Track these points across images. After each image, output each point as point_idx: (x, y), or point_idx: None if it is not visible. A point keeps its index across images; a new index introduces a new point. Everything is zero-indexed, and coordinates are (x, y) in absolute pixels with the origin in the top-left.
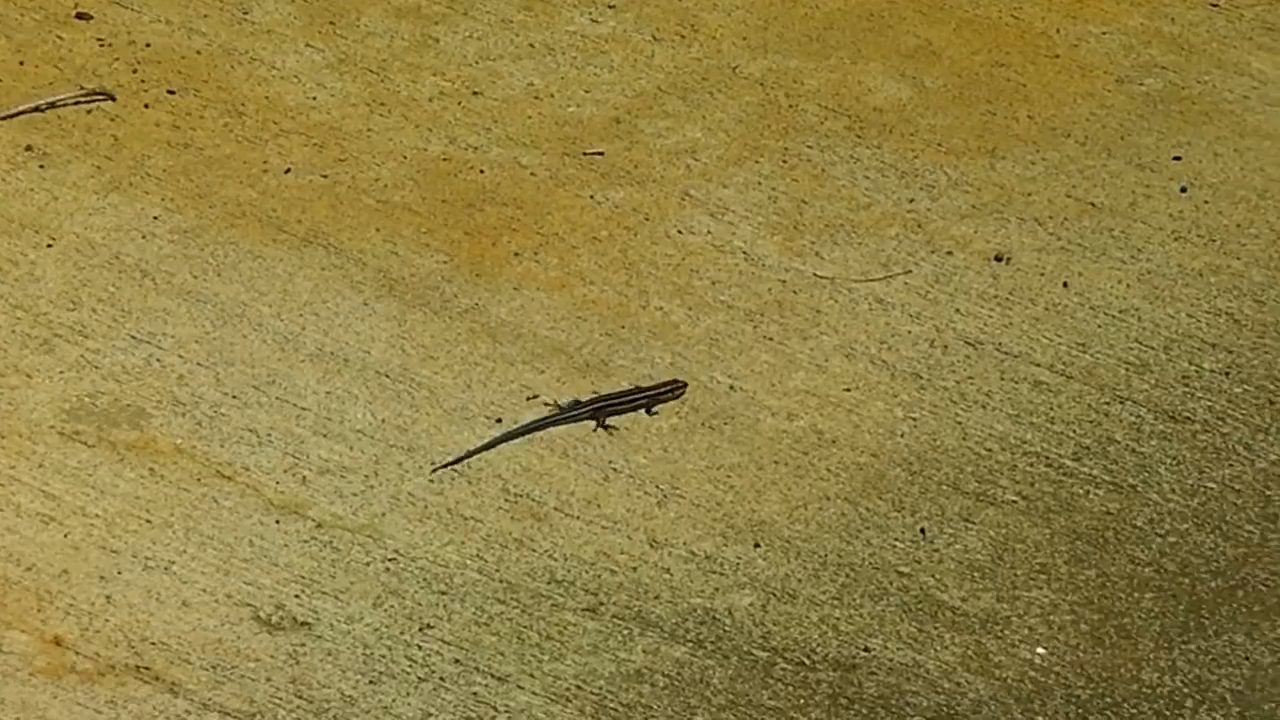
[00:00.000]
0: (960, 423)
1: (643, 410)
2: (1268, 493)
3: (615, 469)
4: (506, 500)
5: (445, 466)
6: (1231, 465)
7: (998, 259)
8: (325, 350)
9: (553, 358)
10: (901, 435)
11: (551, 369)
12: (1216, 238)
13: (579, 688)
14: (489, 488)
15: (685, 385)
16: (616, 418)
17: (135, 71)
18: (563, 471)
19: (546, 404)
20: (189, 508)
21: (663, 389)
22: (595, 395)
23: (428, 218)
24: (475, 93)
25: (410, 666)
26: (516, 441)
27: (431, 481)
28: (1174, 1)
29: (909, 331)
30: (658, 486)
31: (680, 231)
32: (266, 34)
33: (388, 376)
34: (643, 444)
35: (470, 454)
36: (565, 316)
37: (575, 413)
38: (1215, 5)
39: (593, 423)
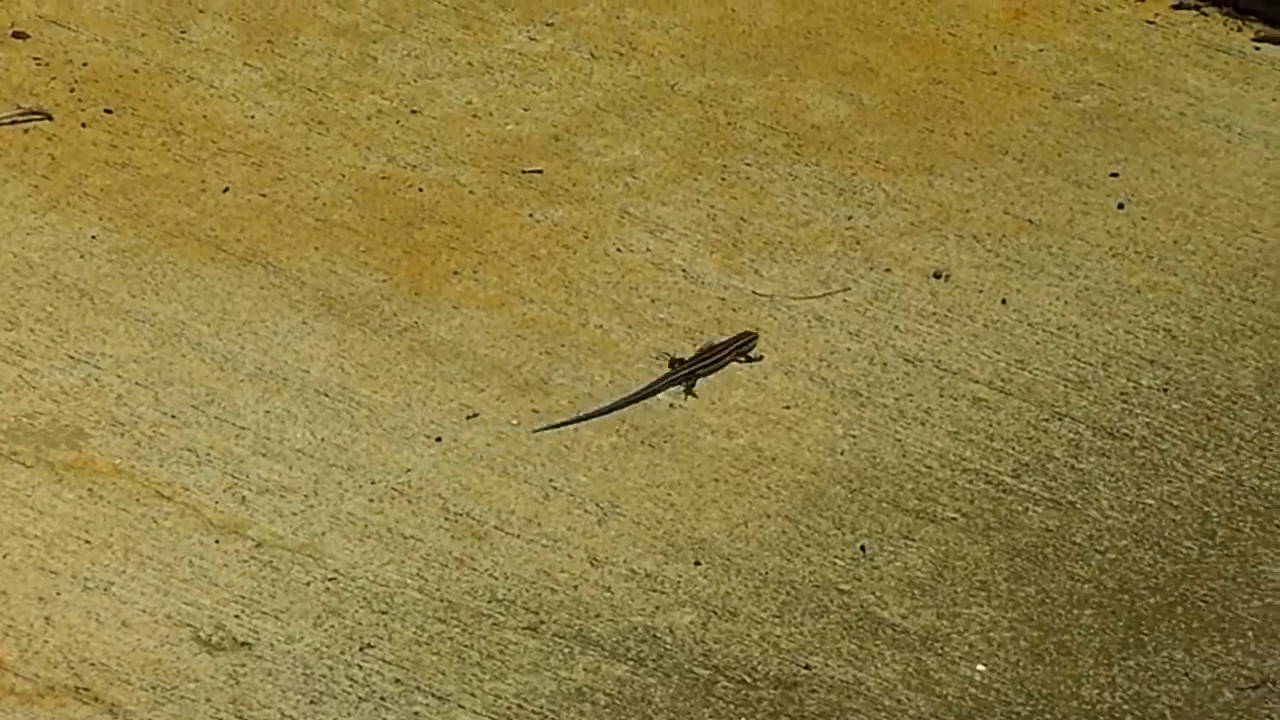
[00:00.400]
0: (900, 440)
1: (733, 363)
2: (1206, 509)
3: (555, 487)
4: (447, 519)
5: (545, 430)
6: (1170, 482)
7: (936, 276)
8: (264, 369)
9: (492, 376)
10: (841, 452)
11: (491, 387)
12: (1154, 254)
13: (520, 707)
14: (429, 507)
15: (755, 336)
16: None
17: (73, 91)
18: (503, 490)
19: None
20: (128, 528)
21: (739, 341)
22: (680, 361)
23: (366, 236)
24: (414, 111)
25: (351, 686)
26: (456, 460)
27: (371, 501)
28: (1110, 19)
29: (848, 349)
30: (598, 505)
31: (619, 249)
32: (204, 53)
33: (327, 395)
34: (583, 462)
35: (569, 422)
36: (504, 335)
37: (663, 381)
38: (1152, 22)
39: (681, 390)
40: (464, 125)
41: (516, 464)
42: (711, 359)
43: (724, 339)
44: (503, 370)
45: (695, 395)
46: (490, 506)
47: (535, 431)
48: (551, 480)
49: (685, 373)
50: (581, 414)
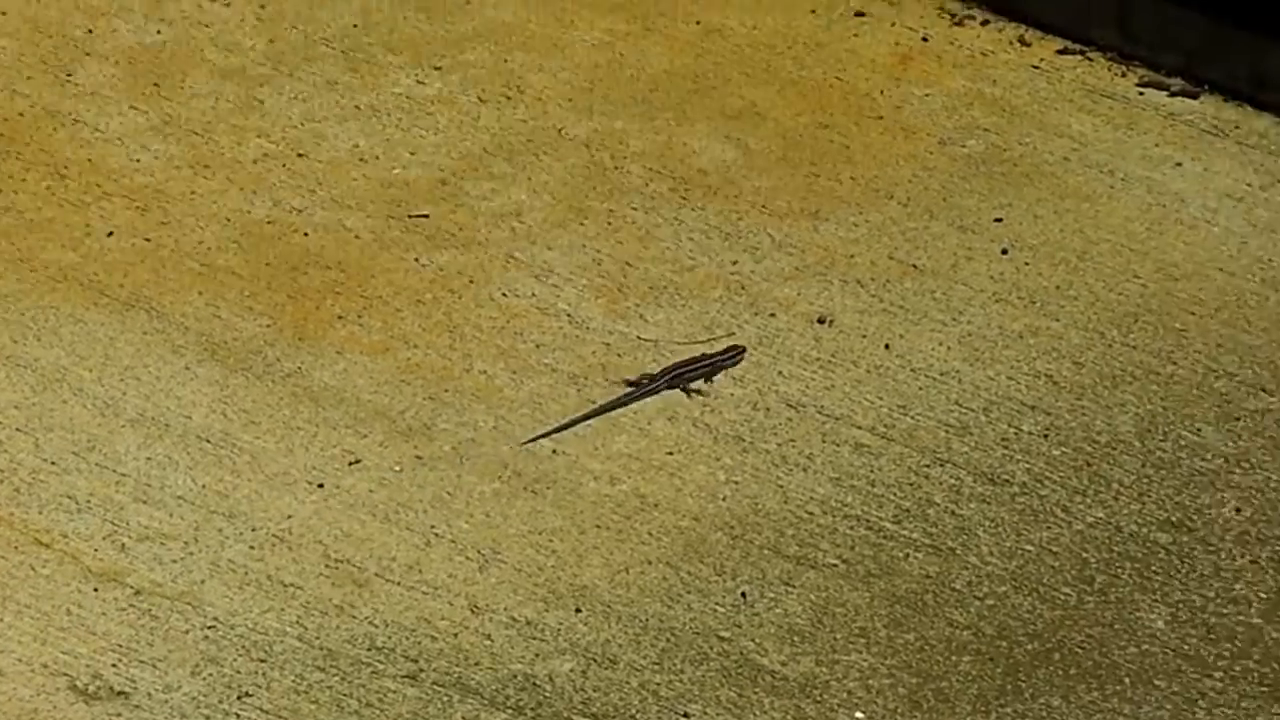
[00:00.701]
0: (782, 486)
1: (711, 377)
2: (1084, 555)
3: (437, 534)
4: (327, 566)
5: (532, 441)
6: (1049, 528)
7: (820, 321)
8: (146, 415)
9: (376, 422)
10: (723, 499)
11: (374, 433)
12: (1036, 300)
13: None
14: (310, 554)
15: (744, 350)
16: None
17: None
18: (384, 537)
19: (620, 382)
20: (5, 576)
21: (726, 355)
22: (665, 368)
23: (251, 281)
24: (300, 155)
25: None
26: (338, 507)
27: (252, 548)
28: (996, 64)
29: (731, 394)
30: (479, 551)
31: (505, 294)
32: (90, 96)
33: (209, 441)
34: (465, 509)
35: (551, 431)
36: (388, 380)
37: (653, 385)
38: (1037, 67)
39: (677, 390)
40: (350, 169)
41: (398, 510)
42: (698, 366)
43: (714, 352)
44: (386, 416)
45: (700, 393)
46: (371, 553)
47: (524, 444)
48: (433, 527)
49: (674, 375)
50: (568, 419)
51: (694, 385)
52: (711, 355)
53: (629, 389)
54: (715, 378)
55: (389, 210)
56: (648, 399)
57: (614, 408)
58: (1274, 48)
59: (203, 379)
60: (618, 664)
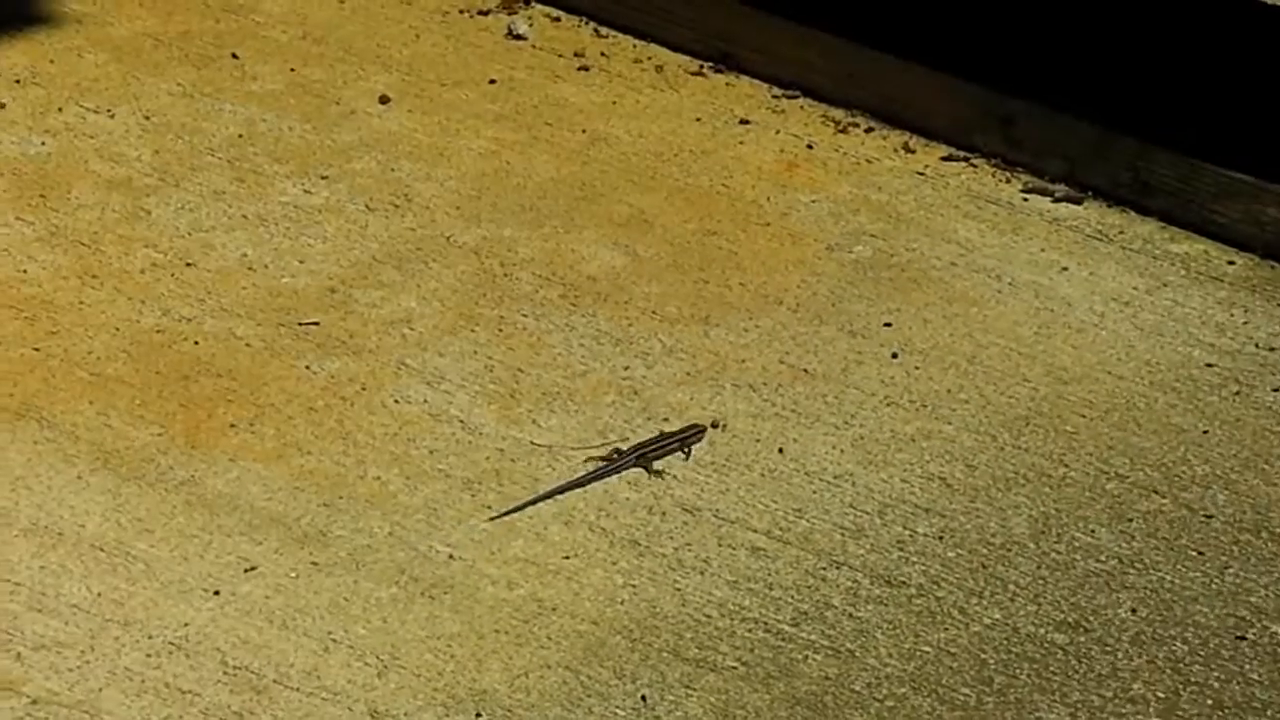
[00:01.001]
0: (679, 589)
1: (679, 453)
2: (982, 656)
3: (334, 640)
4: (225, 673)
5: (501, 516)
6: (947, 629)
7: (714, 425)
8: (39, 525)
9: (270, 529)
10: (621, 602)
11: (270, 540)
12: (928, 403)
13: None
14: (207, 661)
15: (704, 429)
16: (659, 461)
17: None
18: (282, 643)
19: (591, 460)
20: None
21: (687, 433)
22: (632, 446)
23: (142, 390)
24: (188, 264)
25: None
26: (234, 614)
27: (149, 656)
28: (882, 170)
29: (627, 499)
30: (378, 657)
31: (397, 401)
32: None
33: (103, 550)
34: (362, 614)
35: (523, 505)
36: (282, 487)
37: (621, 463)
38: (922, 174)
39: (641, 470)
40: (239, 278)
41: (295, 616)
42: (660, 445)
43: (673, 430)
44: (281, 523)
45: (657, 473)
46: (269, 660)
47: (492, 519)
48: (330, 632)
49: (636, 455)
50: (537, 495)
51: (657, 465)
52: (671, 434)
53: (601, 464)
54: (688, 451)
55: (279, 318)
56: (615, 475)
57: (586, 482)
58: (1156, 153)
59: (95, 488)
60: None
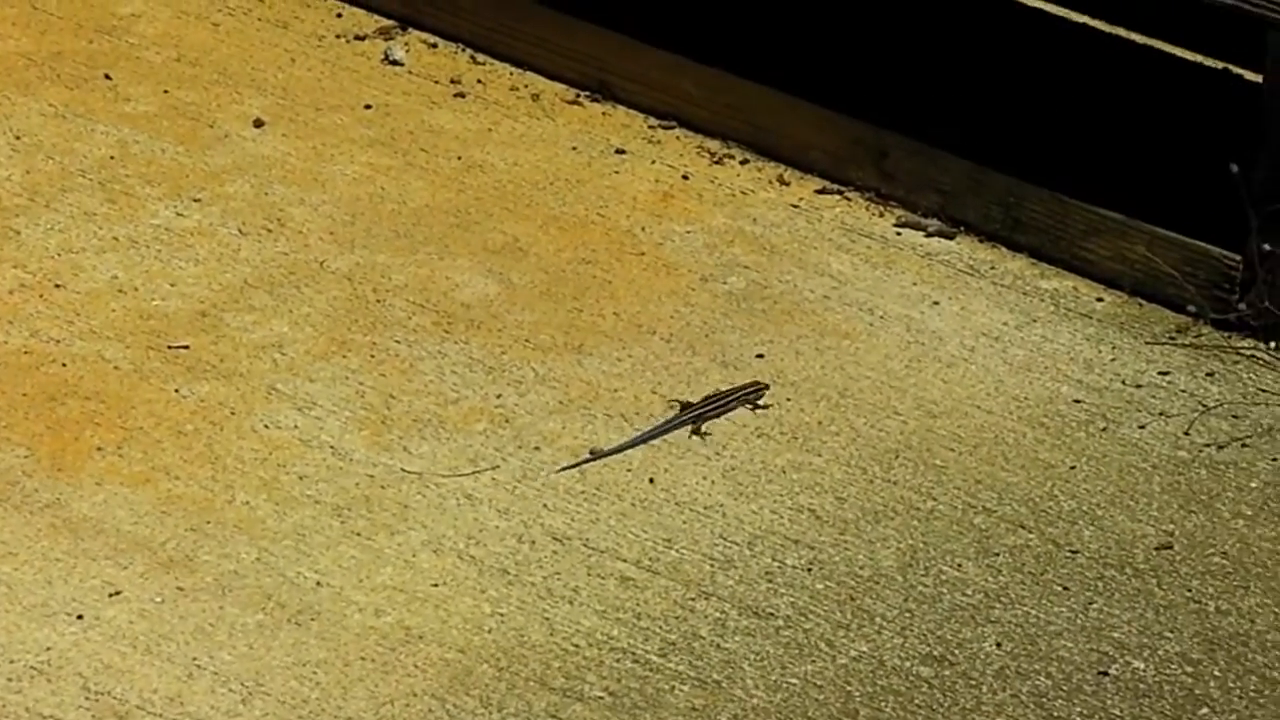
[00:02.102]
0: (548, 618)
1: (741, 408)
2: (848, 688)
3: (199, 665)
4: (87, 698)
5: (569, 468)
6: (814, 661)
7: (591, 455)
8: None
9: (136, 553)
10: (489, 631)
11: (135, 564)
12: (799, 435)
13: None
14: (69, 686)
15: (766, 386)
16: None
17: None
18: (145, 669)
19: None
20: None
21: (748, 389)
22: (689, 404)
23: (7, 412)
24: (57, 286)
25: None
26: (98, 638)
27: (10, 680)
28: (756, 202)
29: (496, 527)
30: (242, 684)
31: (267, 426)
32: None
33: None
34: (227, 640)
35: (589, 460)
36: (149, 511)
37: (673, 422)
38: (796, 206)
39: (688, 430)
40: (109, 300)
41: (160, 642)
42: (719, 403)
43: (732, 387)
44: (147, 547)
45: (703, 435)
46: (132, 685)
47: (559, 470)
48: (195, 658)
49: (694, 414)
50: (595, 452)
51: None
52: (731, 391)
53: (679, 412)
54: (754, 407)
55: (149, 341)
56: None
57: (645, 440)
58: (1028, 190)
59: None
60: None
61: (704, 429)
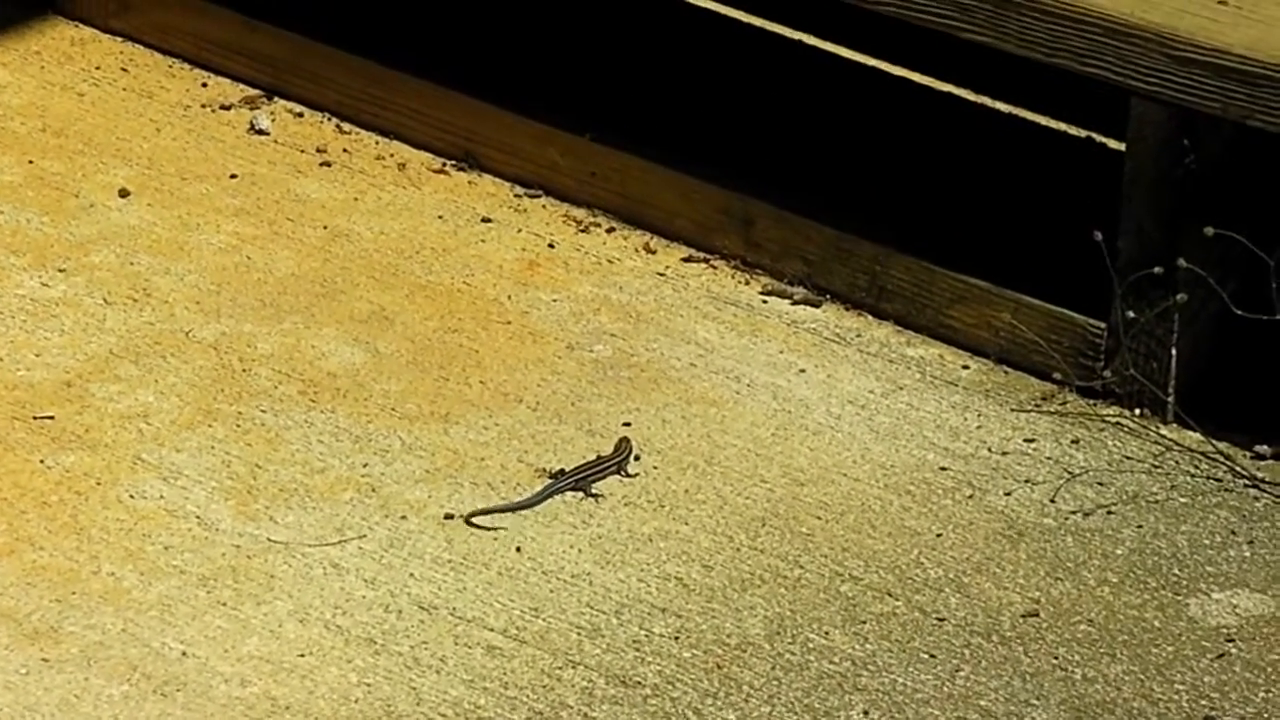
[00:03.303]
0: (415, 688)
1: (616, 476)
2: None
3: None
4: None
5: (477, 515)
6: None
7: (448, 517)
8: None
9: (1, 625)
10: (356, 701)
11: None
12: (665, 503)
13: None
14: None
15: (627, 440)
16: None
17: None
18: None
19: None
20: None
21: (620, 452)
22: (571, 468)
23: None
24: None
25: None
26: None
27: None
28: (623, 270)
29: (363, 596)
30: None
31: (132, 496)
32: None
33: None
34: (93, 711)
35: (495, 510)
36: (14, 583)
37: (563, 483)
38: (662, 275)
39: (580, 493)
40: None
41: (25, 714)
42: (595, 469)
43: (607, 454)
44: (11, 618)
45: (595, 496)
46: None
47: (469, 518)
48: None
49: (571, 482)
50: (506, 504)
51: (595, 488)
52: (605, 458)
53: (549, 481)
54: (626, 471)
55: (13, 411)
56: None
57: (531, 504)
58: (893, 258)
59: None
60: None
61: (592, 490)
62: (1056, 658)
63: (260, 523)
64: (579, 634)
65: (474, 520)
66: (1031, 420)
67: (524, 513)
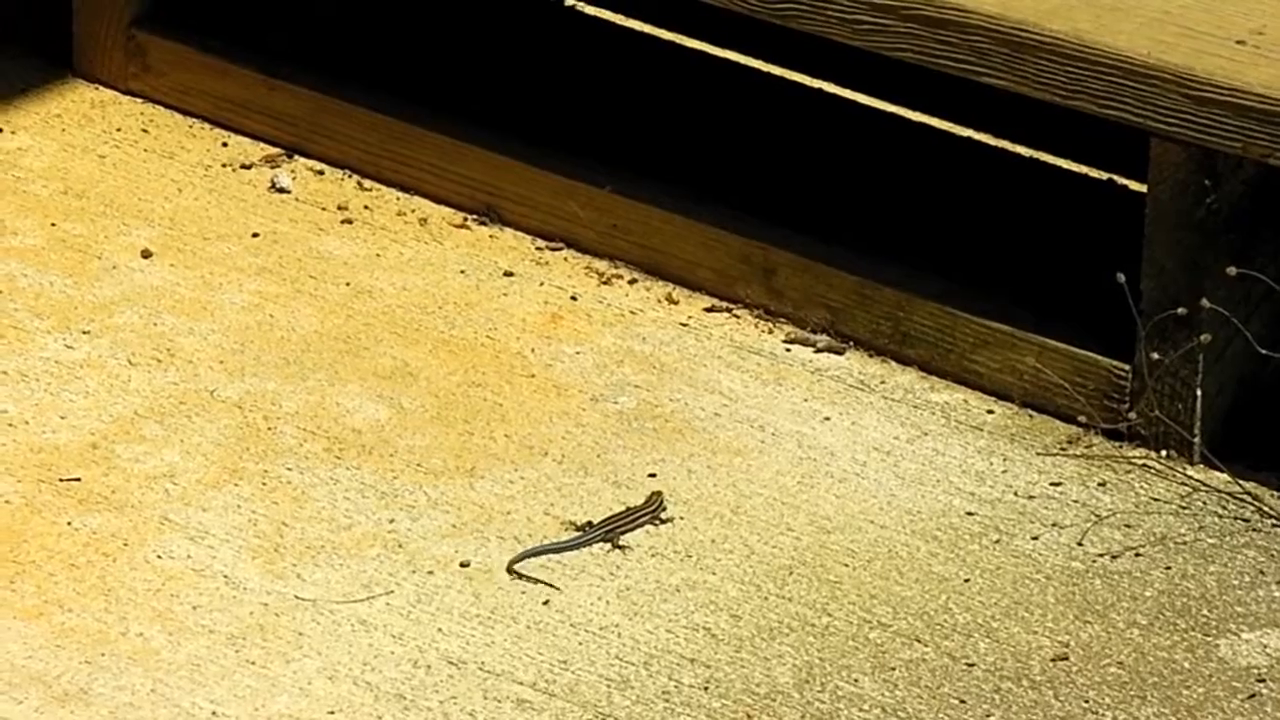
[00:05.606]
0: None
1: (647, 527)
2: None
3: None
4: None
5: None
6: None
7: (464, 565)
8: None
9: (30, 687)
10: None
11: (30, 699)
12: (692, 553)
13: None
14: None
15: (659, 494)
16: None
17: None
18: None
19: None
20: None
21: (650, 505)
22: (590, 524)
23: None
24: None
25: None
26: None
27: None
28: (645, 321)
29: (392, 652)
30: None
31: (160, 556)
32: None
33: None
34: None
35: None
36: (43, 645)
37: (590, 536)
38: (685, 325)
39: (608, 545)
40: None
41: None
42: (627, 520)
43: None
44: (41, 681)
45: (622, 548)
46: None
47: (511, 565)
48: None
49: (602, 532)
50: (545, 545)
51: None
52: (636, 509)
53: (576, 534)
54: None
55: (39, 475)
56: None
57: (563, 549)
58: (916, 304)
59: None
60: None
61: (621, 542)
62: (1087, 701)
63: (288, 580)
64: (608, 685)
65: (515, 568)
66: (1057, 463)
67: (552, 565)
